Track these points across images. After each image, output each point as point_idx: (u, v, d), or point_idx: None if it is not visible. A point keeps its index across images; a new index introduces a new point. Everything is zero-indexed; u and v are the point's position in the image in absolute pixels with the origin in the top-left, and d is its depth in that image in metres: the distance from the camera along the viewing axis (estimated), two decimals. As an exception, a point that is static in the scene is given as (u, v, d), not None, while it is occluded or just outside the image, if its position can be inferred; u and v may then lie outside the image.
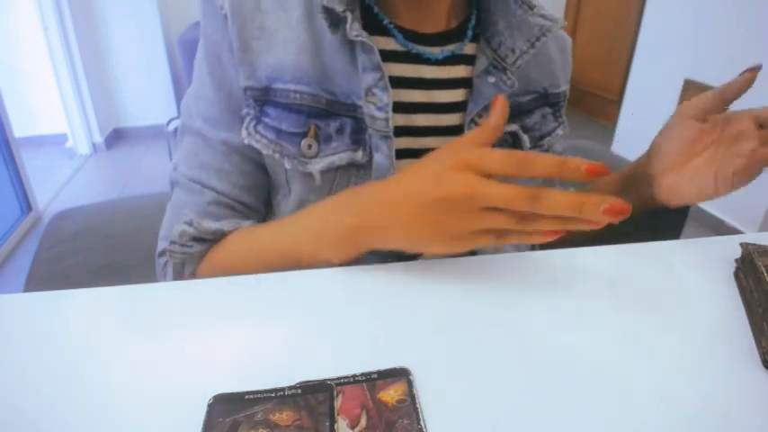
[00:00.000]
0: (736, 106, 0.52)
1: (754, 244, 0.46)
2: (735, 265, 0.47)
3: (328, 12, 0.48)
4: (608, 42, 3.31)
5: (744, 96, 0.51)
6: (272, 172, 0.55)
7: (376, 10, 0.53)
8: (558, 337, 0.39)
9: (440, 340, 0.38)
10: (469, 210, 0.38)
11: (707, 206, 2.25)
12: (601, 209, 0.35)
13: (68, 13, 2.77)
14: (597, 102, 3.49)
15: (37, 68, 2.90)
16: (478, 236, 0.40)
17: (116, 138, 3.29)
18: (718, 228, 2.18)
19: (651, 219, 0.64)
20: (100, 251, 0.84)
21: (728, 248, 0.46)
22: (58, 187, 2.67)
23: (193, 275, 0.54)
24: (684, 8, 2.32)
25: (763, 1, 1.95)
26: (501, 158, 0.38)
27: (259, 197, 0.57)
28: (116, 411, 0.32)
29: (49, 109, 3.01)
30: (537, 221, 0.38)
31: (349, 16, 0.48)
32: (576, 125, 3.46)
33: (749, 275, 0.43)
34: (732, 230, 2.13)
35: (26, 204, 2.34)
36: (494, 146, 0.56)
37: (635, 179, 0.58)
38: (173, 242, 0.53)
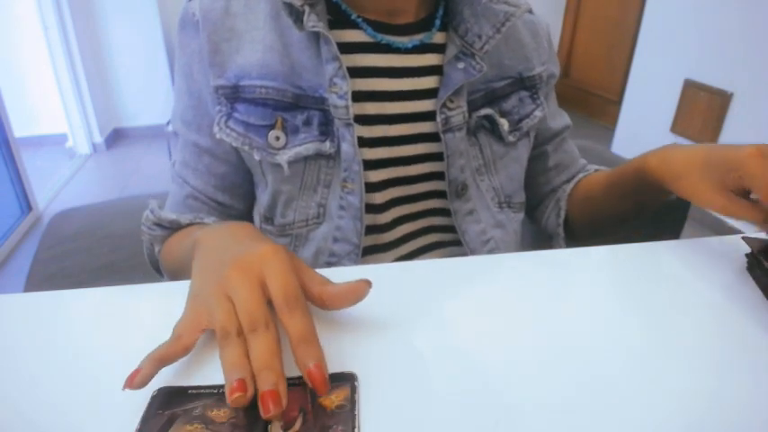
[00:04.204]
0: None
1: (755, 238, 0.47)
2: (746, 260, 0.47)
3: (288, 7, 0.51)
4: (608, 42, 3.31)
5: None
6: (251, 167, 0.59)
7: (344, 6, 0.55)
8: (555, 339, 0.39)
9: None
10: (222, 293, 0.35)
11: (707, 206, 2.25)
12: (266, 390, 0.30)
13: (68, 13, 2.77)
14: (597, 102, 3.49)
15: (37, 68, 2.89)
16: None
17: (116, 138, 3.28)
18: (718, 228, 2.17)
19: (650, 219, 0.64)
20: (100, 251, 0.84)
21: (734, 246, 0.46)
22: (58, 187, 2.67)
23: (160, 254, 0.61)
24: (684, 8, 2.31)
25: (763, 1, 1.94)
26: (278, 285, 0.34)
27: (235, 196, 0.61)
28: (116, 411, 0.32)
29: (49, 109, 3.00)
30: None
31: (306, 9, 0.50)
32: (576, 125, 3.44)
33: (762, 270, 0.44)
34: (732, 230, 2.12)
35: (26, 204, 2.33)
36: (472, 130, 0.59)
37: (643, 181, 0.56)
38: (142, 224, 0.60)
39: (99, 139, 3.09)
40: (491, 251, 0.62)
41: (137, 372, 0.31)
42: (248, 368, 0.31)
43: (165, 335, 0.36)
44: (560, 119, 0.71)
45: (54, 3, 2.70)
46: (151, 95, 3.25)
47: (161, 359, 0.33)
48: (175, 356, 0.34)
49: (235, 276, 0.34)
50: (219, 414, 0.31)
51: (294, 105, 0.54)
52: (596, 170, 0.72)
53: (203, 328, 0.35)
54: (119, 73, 3.19)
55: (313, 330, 0.33)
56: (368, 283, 0.37)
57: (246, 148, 0.55)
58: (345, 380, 0.33)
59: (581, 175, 0.71)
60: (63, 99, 2.94)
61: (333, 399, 0.32)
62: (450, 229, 0.62)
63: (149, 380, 0.31)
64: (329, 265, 0.58)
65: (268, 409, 0.29)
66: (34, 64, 2.89)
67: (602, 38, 3.37)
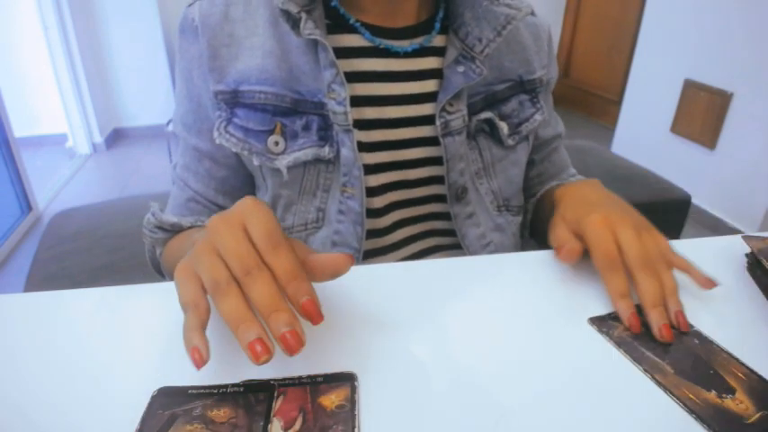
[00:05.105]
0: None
1: (757, 237, 0.47)
2: (746, 260, 0.47)
3: (285, 14, 0.50)
4: (608, 42, 3.31)
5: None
6: (252, 171, 0.59)
7: (342, 11, 0.55)
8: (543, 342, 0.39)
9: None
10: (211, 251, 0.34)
11: (707, 206, 2.25)
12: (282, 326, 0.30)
13: (68, 13, 2.77)
14: (597, 102, 3.49)
15: (37, 68, 2.89)
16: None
17: (116, 138, 3.29)
18: (719, 228, 2.18)
19: (650, 220, 0.64)
20: (100, 251, 0.84)
21: (734, 246, 0.46)
22: (58, 187, 2.67)
23: (161, 256, 0.61)
24: (684, 8, 2.31)
25: (763, 1, 1.95)
26: (258, 233, 0.34)
27: (235, 200, 0.60)
28: (116, 410, 0.32)
29: (49, 109, 3.01)
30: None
31: (303, 16, 0.50)
32: (576, 125, 3.45)
33: (762, 270, 0.44)
34: (732, 230, 2.13)
35: (26, 204, 2.33)
36: (472, 133, 0.59)
37: None
38: (143, 227, 0.60)
39: (99, 139, 3.09)
40: (490, 255, 0.61)
41: (194, 349, 0.31)
42: (256, 321, 0.30)
43: (165, 335, 0.36)
44: (552, 127, 0.69)
45: (54, 3, 2.70)
46: (151, 96, 3.25)
47: (199, 328, 0.32)
48: (205, 321, 0.33)
49: (216, 228, 0.34)
50: (219, 414, 0.31)
51: (293, 110, 0.54)
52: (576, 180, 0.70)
53: (203, 287, 0.34)
54: (119, 73, 3.19)
55: (300, 266, 0.33)
56: (350, 258, 0.36)
57: (246, 153, 0.55)
58: (345, 380, 0.33)
59: (554, 183, 0.69)
60: (63, 99, 2.94)
61: (333, 399, 0.32)
62: (449, 232, 0.62)
63: (209, 349, 0.31)
64: None
65: (293, 350, 0.29)
66: (34, 64, 2.89)
67: (602, 38, 3.37)
